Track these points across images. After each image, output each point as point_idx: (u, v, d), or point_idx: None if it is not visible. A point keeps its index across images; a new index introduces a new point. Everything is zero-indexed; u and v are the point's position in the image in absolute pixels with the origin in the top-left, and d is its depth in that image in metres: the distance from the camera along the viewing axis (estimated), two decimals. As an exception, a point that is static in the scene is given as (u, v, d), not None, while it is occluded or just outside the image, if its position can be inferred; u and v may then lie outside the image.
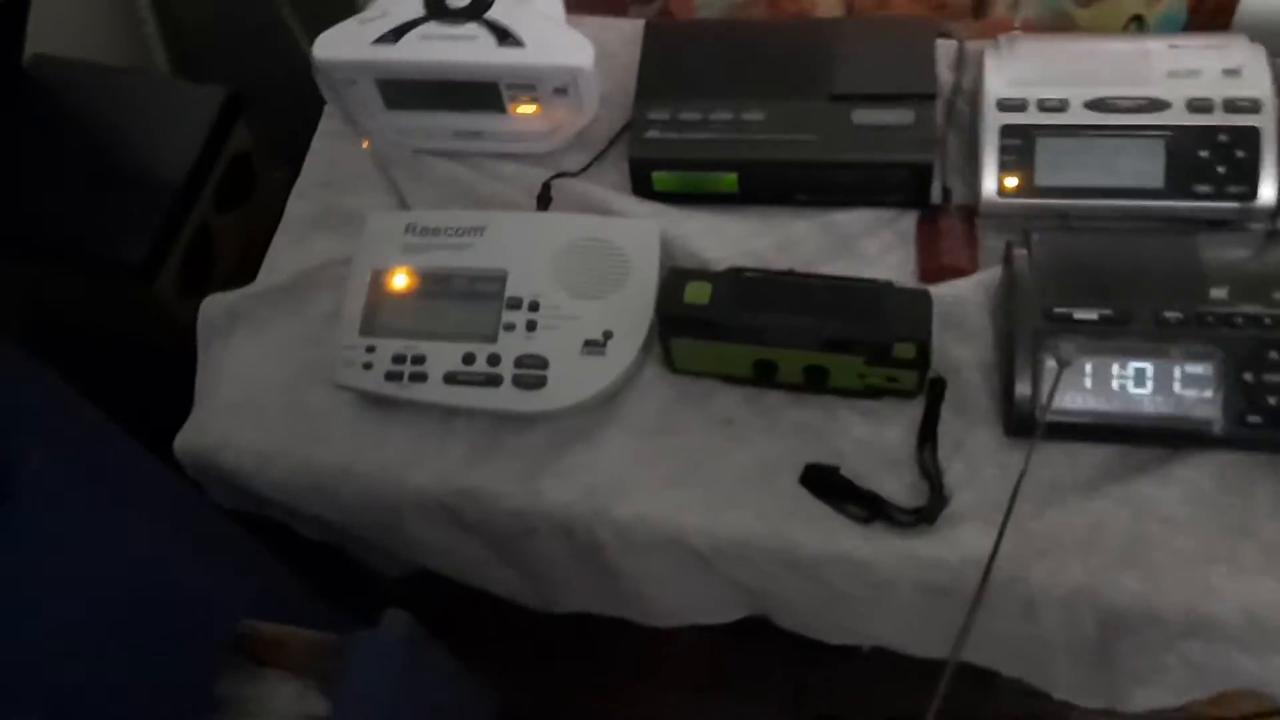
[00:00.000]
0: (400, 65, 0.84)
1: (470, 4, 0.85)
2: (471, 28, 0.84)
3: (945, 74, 0.89)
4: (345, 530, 0.87)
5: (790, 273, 0.76)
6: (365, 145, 0.88)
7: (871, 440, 0.76)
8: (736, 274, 0.75)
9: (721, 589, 0.81)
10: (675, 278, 0.75)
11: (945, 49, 0.90)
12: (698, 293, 0.74)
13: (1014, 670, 0.81)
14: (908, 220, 0.84)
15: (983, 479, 0.73)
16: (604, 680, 1.21)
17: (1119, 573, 0.69)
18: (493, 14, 0.85)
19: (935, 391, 0.76)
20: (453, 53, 0.84)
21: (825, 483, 0.74)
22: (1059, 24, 1.07)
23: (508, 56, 0.83)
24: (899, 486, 0.74)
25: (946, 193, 0.84)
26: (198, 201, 1.10)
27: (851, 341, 0.72)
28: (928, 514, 0.72)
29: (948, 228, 0.82)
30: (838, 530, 0.73)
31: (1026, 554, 0.70)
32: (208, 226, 1.12)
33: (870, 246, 0.83)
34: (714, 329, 0.74)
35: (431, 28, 0.85)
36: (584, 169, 0.89)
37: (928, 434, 0.75)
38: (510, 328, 0.79)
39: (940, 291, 0.79)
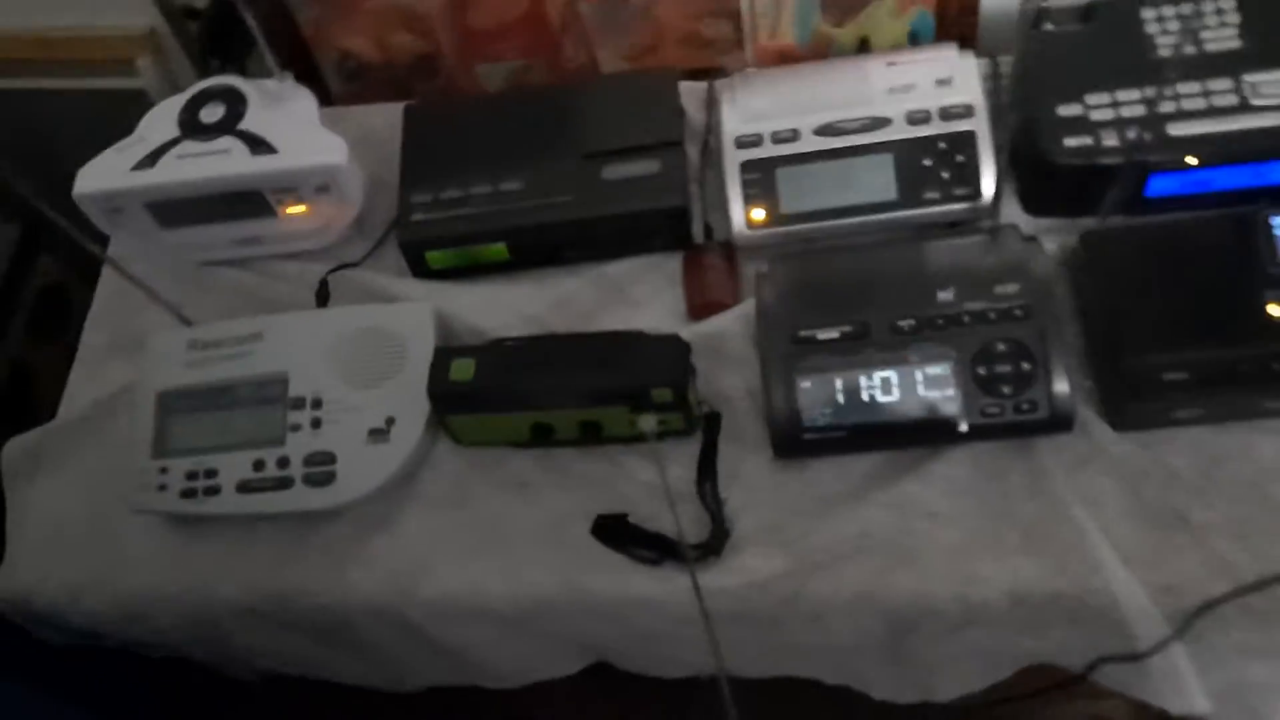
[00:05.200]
0: (160, 187, 0.86)
1: (223, 118, 0.87)
2: (225, 141, 0.86)
3: (699, 115, 0.93)
4: (175, 650, 0.88)
5: (550, 336, 0.79)
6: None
7: (656, 482, 0.78)
8: (498, 345, 0.78)
9: (549, 644, 0.83)
10: (441, 357, 0.77)
11: (696, 91, 0.94)
12: (463, 369, 0.76)
13: (834, 678, 0.84)
14: (674, 262, 0.87)
15: (760, 503, 0.76)
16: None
17: (892, 573, 0.72)
18: (246, 124, 0.87)
19: (711, 425, 0.79)
20: (209, 168, 0.85)
21: (614, 531, 0.77)
22: (818, 45, 1.12)
23: (263, 164, 0.85)
24: (686, 523, 0.77)
25: (709, 231, 0.88)
26: (2, 338, 1.10)
27: (611, 393, 0.74)
28: (711, 547, 0.75)
29: (710, 265, 0.85)
30: (630, 575, 0.76)
31: (804, 569, 0.73)
32: (24, 361, 1.13)
33: (640, 293, 0.86)
34: (483, 402, 0.76)
35: (187, 146, 0.87)
36: (365, 258, 0.91)
37: (706, 468, 0.78)
38: (296, 428, 0.80)
39: (706, 327, 0.82)
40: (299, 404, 0.81)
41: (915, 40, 1.08)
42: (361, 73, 1.15)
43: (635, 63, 1.13)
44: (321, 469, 0.79)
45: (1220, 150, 0.76)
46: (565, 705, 1.10)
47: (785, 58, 1.13)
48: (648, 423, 0.74)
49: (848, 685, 0.84)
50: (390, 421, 0.80)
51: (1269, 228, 0.73)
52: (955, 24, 1.06)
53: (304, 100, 0.90)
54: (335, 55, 1.13)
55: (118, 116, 0.93)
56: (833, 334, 0.75)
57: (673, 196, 0.84)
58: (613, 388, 0.74)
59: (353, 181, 0.87)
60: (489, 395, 0.75)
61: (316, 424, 0.80)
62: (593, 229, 0.85)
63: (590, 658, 0.87)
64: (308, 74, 1.19)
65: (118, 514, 0.83)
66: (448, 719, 1.08)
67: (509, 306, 0.86)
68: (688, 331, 0.82)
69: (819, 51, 1.12)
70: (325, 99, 1.19)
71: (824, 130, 0.84)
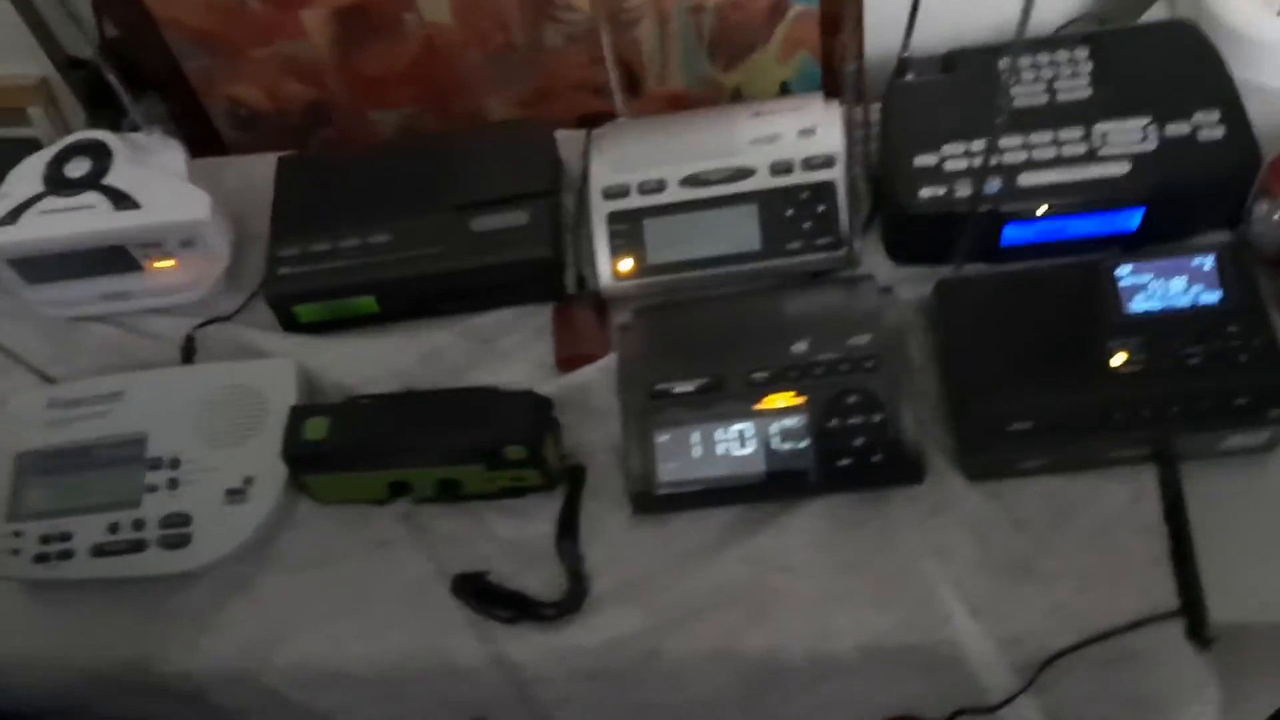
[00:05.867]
0: (21, 244, 0.85)
1: (88, 172, 0.87)
2: (89, 196, 0.86)
3: (578, 164, 0.93)
4: (37, 716, 0.86)
5: (406, 393, 0.78)
6: None
7: (517, 539, 0.78)
8: (353, 403, 0.77)
9: (415, 707, 0.82)
10: (295, 416, 0.76)
11: (575, 140, 0.94)
12: (316, 429, 0.75)
13: (704, 734, 0.83)
14: (546, 313, 0.87)
15: (619, 560, 0.76)
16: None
17: (747, 628, 0.72)
18: (111, 178, 0.86)
19: (574, 480, 0.79)
20: (71, 224, 0.85)
21: (473, 590, 0.76)
22: (710, 91, 1.13)
23: (125, 220, 0.84)
24: (546, 580, 0.76)
25: (581, 281, 0.87)
26: None
27: (464, 452, 0.74)
28: (569, 605, 0.74)
29: (580, 316, 0.85)
30: (489, 635, 0.75)
31: (662, 626, 0.73)
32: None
33: (510, 344, 0.86)
34: (337, 461, 0.75)
35: (50, 202, 0.86)
36: (236, 312, 0.91)
37: (566, 525, 0.77)
38: (153, 489, 0.79)
39: (573, 380, 0.82)
40: (156, 464, 0.79)
41: (804, 84, 1.10)
42: (254, 121, 1.15)
43: (529, 109, 1.13)
44: (177, 531, 0.77)
45: (1068, 199, 0.77)
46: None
47: (677, 103, 1.14)
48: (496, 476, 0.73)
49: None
50: (249, 481, 0.79)
51: (1113, 278, 0.74)
52: (840, 70, 1.08)
53: (172, 153, 0.89)
54: (225, 104, 1.13)
55: (9, 166, 0.92)
56: (689, 387, 0.75)
57: (540, 248, 0.84)
58: (466, 446, 0.73)
59: (218, 236, 0.87)
60: (343, 454, 0.75)
61: (174, 484, 0.79)
62: (461, 281, 0.85)
63: (465, 716, 0.86)
64: (201, 122, 1.19)
65: (-26, 579, 0.82)
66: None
67: (377, 361, 0.85)
68: (555, 384, 0.82)
69: (710, 97, 1.14)
70: (220, 148, 1.19)
71: (689, 181, 0.84)
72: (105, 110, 1.12)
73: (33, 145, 1.17)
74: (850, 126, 0.84)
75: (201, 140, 1.13)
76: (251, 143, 1.16)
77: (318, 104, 1.12)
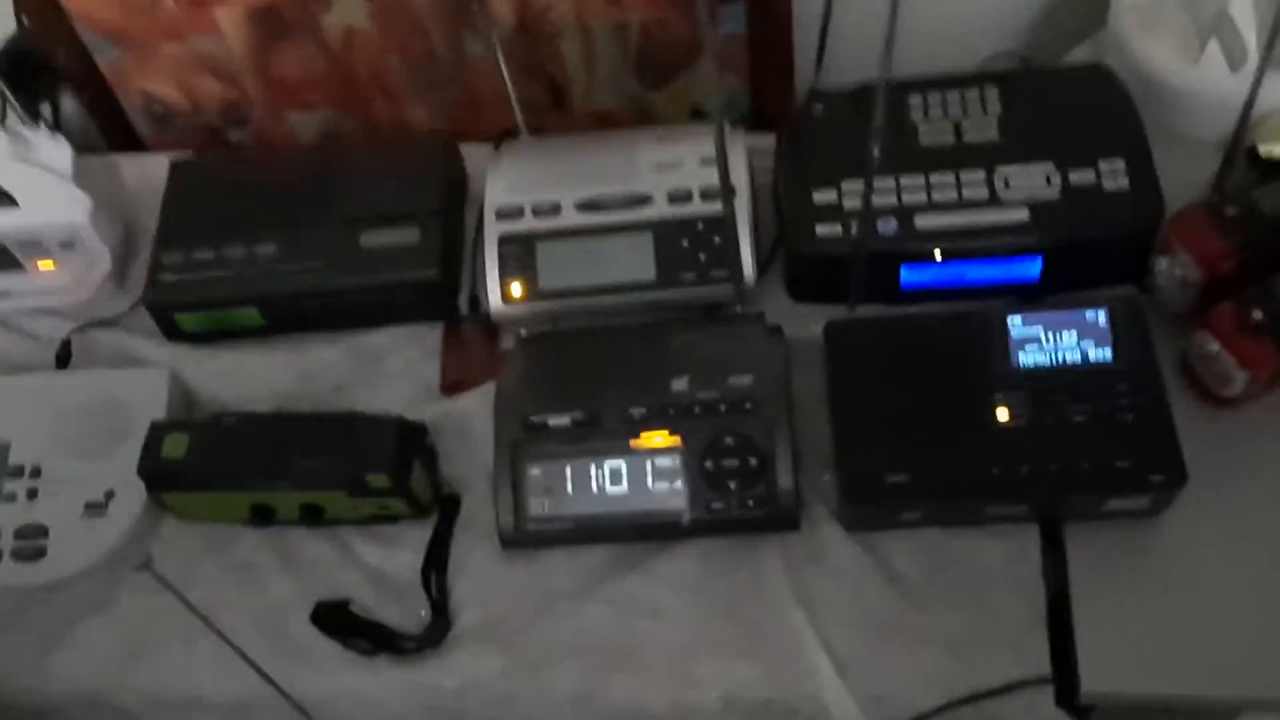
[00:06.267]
0: (-107, 239, 0.82)
1: (-33, 166, 0.84)
2: (-33, 191, 0.83)
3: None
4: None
5: (272, 414, 0.76)
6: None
7: (383, 567, 0.75)
8: (215, 421, 0.74)
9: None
10: (154, 432, 0.74)
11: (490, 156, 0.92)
12: (175, 446, 0.72)
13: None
14: (436, 333, 0.84)
15: (485, 595, 0.73)
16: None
17: (609, 674, 0.70)
18: (-8, 175, 0.84)
19: (447, 509, 0.76)
20: (-55, 220, 0.82)
21: (333, 619, 0.73)
22: (636, 110, 1.10)
23: (2, 219, 0.82)
24: (410, 611, 0.74)
25: (475, 302, 0.85)
26: None
27: (326, 478, 0.71)
28: (429, 639, 0.72)
29: (469, 339, 0.83)
30: (348, 667, 0.72)
31: (522, 668, 0.70)
32: None
33: (396, 365, 0.83)
34: (195, 481, 0.73)
35: (-72, 197, 0.83)
36: (120, 316, 0.88)
37: (434, 556, 0.75)
38: (11, 498, 0.76)
39: (455, 405, 0.80)
40: (17, 473, 0.77)
41: (733, 109, 1.07)
42: (169, 118, 1.12)
43: (454, 121, 1.10)
44: (32, 543, 0.75)
45: (966, 244, 0.75)
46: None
47: (605, 121, 1.11)
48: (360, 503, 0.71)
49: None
50: (110, 495, 0.76)
51: (1005, 326, 0.72)
52: (772, 95, 1.06)
53: (57, 151, 0.86)
54: (139, 99, 1.10)
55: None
56: (564, 420, 0.73)
57: (428, 269, 0.82)
58: (328, 472, 0.71)
59: (98, 240, 0.84)
60: (201, 474, 0.72)
61: (32, 494, 0.76)
62: (347, 298, 0.82)
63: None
64: (119, 118, 1.16)
65: None
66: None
67: (256, 377, 0.83)
68: (437, 409, 0.80)
69: (644, 118, 1.11)
70: (139, 145, 1.16)
71: (585, 205, 0.81)
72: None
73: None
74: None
75: (119, 136, 1.11)
76: (169, 141, 1.13)
77: (234, 104, 1.09)
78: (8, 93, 0.83)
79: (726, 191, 0.79)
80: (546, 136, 0.89)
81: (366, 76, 1.07)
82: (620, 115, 1.10)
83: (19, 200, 0.82)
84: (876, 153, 0.66)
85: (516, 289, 0.81)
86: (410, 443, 0.73)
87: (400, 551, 0.75)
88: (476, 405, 0.79)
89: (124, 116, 1.13)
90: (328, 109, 1.11)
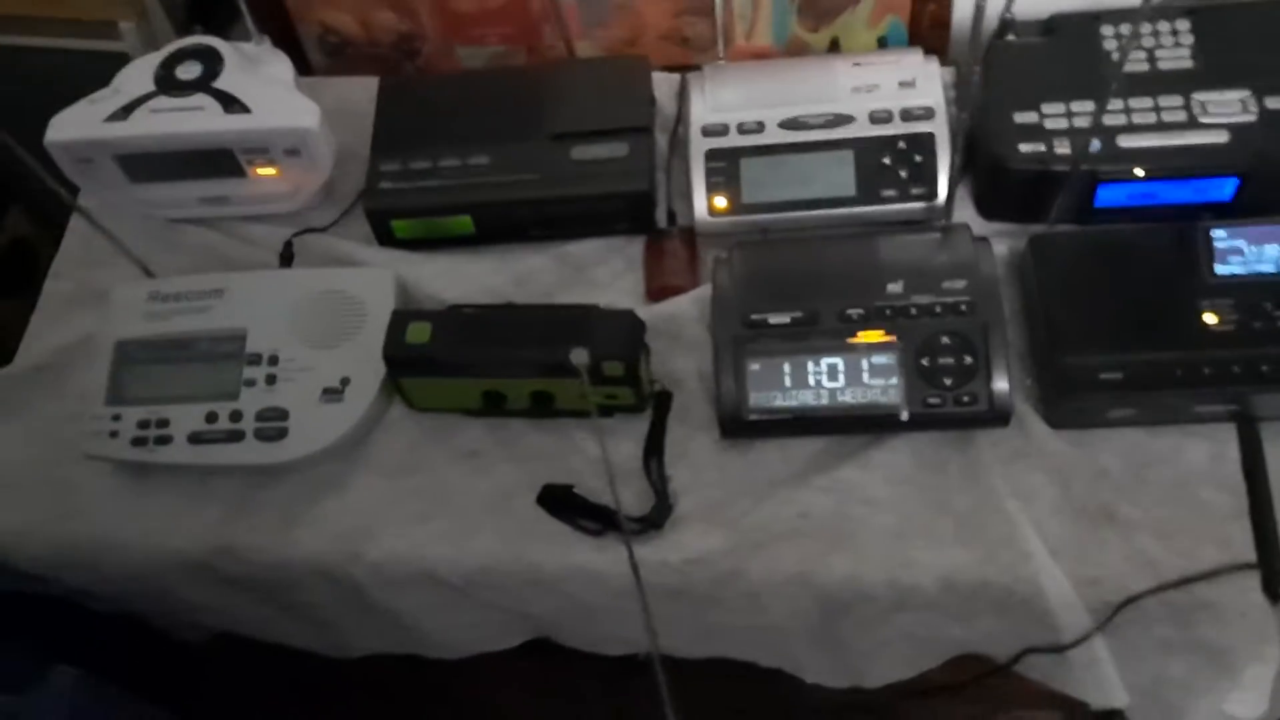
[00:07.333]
0: (131, 140, 0.87)
1: (199, 75, 0.88)
2: (199, 98, 0.87)
3: (671, 105, 0.95)
4: (120, 600, 0.88)
5: (507, 305, 0.80)
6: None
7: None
8: (456, 311, 0.79)
9: (490, 615, 0.84)
10: (398, 320, 0.78)
11: (670, 82, 0.96)
12: (419, 333, 0.77)
13: (770, 661, 0.85)
14: (636, 246, 0.89)
15: (704, 482, 0.78)
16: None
17: (828, 555, 0.74)
18: (221, 83, 0.88)
19: (661, 404, 0.81)
20: (181, 124, 0.86)
21: (560, 501, 0.78)
22: (794, 49, 1.14)
23: (235, 123, 0.86)
24: (631, 498, 0.78)
25: (672, 216, 0.89)
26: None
27: (561, 365, 0.75)
28: (653, 520, 0.76)
29: (670, 250, 0.87)
30: (573, 545, 0.77)
31: (743, 547, 0.75)
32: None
33: (602, 274, 0.88)
34: (437, 366, 0.77)
35: (161, 101, 0.88)
36: (332, 224, 0.92)
37: (654, 445, 0.79)
38: (251, 383, 0.81)
39: (662, 309, 0.84)
40: (255, 360, 0.81)
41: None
42: (342, 48, 1.16)
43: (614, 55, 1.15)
44: (273, 424, 0.79)
45: (1166, 164, 0.79)
46: (506, 681, 1.11)
47: (760, 60, 1.15)
48: (591, 391, 0.74)
49: (781, 668, 0.86)
50: (345, 382, 0.80)
51: (1209, 239, 0.76)
52: (927, 35, 1.09)
53: (280, 65, 0.91)
54: (317, 29, 1.15)
55: (99, 78, 0.93)
56: (783, 319, 0.77)
57: (638, 181, 0.86)
58: (564, 359, 0.75)
59: (323, 147, 0.88)
60: (443, 360, 0.76)
61: (271, 380, 0.81)
62: (557, 208, 0.87)
63: (531, 632, 0.88)
64: (289, 46, 1.20)
65: (70, 461, 0.83)
66: (391, 692, 1.09)
67: (471, 279, 0.87)
68: (645, 313, 0.83)
69: (794, 56, 1.15)
70: (305, 72, 1.20)
71: (788, 124, 0.85)
72: (198, 27, 1.14)
73: (122, 59, 1.19)
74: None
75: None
76: (338, 70, 1.17)
77: (407, 36, 1.14)
78: (243, 5, 0.87)
79: (927, 112, 0.84)
80: (742, 62, 0.93)
81: (538, 11, 1.11)
82: (775, 55, 1.14)
83: (250, 106, 0.86)
84: (1105, 77, 0.69)
85: (721, 202, 0.85)
86: (639, 335, 0.77)
87: (620, 442, 0.79)
88: (683, 310, 0.83)
89: (297, 45, 1.18)
90: (497, 43, 1.15)
